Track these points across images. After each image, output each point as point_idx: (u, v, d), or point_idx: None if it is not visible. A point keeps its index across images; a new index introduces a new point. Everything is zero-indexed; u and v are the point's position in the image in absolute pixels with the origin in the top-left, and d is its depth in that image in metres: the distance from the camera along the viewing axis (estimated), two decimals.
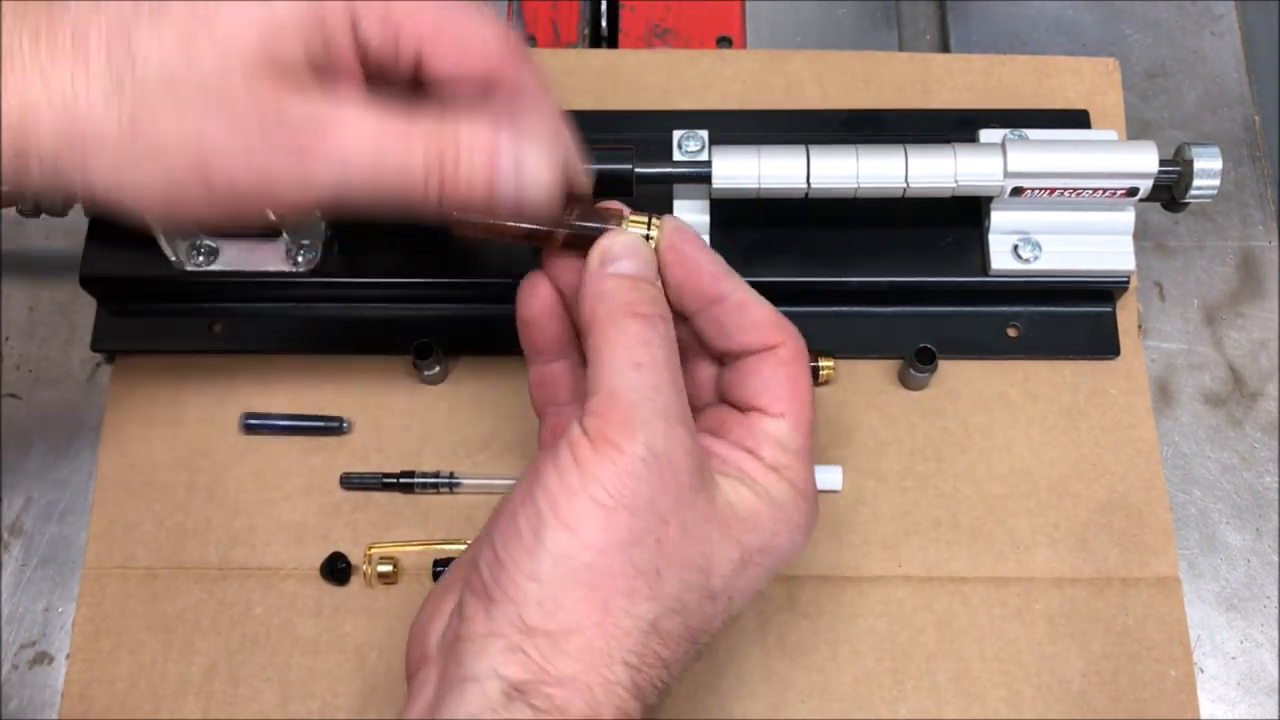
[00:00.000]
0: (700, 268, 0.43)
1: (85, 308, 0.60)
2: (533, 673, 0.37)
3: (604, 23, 0.69)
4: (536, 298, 0.45)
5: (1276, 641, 0.54)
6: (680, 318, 0.44)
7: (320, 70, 0.39)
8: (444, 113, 0.40)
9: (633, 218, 0.44)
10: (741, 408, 0.43)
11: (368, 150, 0.38)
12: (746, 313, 0.43)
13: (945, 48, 0.68)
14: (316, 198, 0.39)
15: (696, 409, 0.44)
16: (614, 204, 0.45)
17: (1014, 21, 0.68)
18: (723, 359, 0.45)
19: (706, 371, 0.46)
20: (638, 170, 0.52)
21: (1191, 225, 0.62)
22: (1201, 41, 0.67)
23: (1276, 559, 0.55)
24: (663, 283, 0.43)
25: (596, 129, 0.57)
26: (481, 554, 0.39)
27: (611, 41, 0.69)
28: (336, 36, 0.39)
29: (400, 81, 0.42)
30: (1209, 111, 0.65)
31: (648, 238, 0.43)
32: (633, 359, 0.39)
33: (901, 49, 0.68)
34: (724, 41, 0.68)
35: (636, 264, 0.42)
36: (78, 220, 0.57)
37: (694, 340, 0.45)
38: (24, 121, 0.36)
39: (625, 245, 0.43)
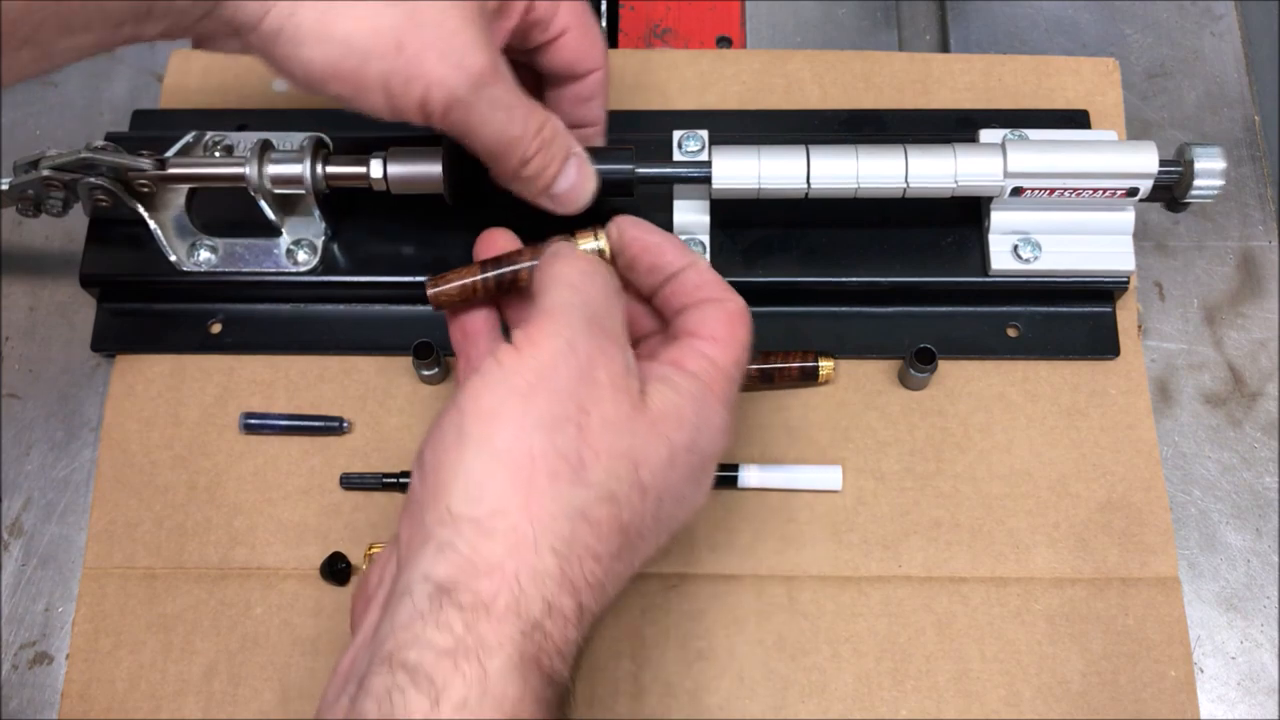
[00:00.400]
0: (662, 247, 0.47)
1: (85, 308, 0.60)
2: (459, 566, 0.37)
3: (604, 23, 0.69)
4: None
5: (1276, 641, 0.54)
6: (644, 299, 0.48)
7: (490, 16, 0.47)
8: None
9: (580, 235, 0.47)
10: (677, 337, 0.46)
11: (516, 100, 0.46)
12: (703, 275, 0.46)
13: (945, 48, 0.68)
14: (465, 112, 0.45)
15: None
16: (559, 237, 0.48)
17: (1014, 21, 0.68)
18: (675, 318, 0.47)
19: (655, 339, 0.49)
20: (638, 171, 0.52)
21: (1191, 225, 0.62)
22: (1201, 41, 0.67)
23: (1276, 559, 0.55)
24: (630, 270, 0.47)
25: None
26: (413, 477, 0.41)
27: (611, 41, 0.69)
28: (517, 4, 0.48)
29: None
30: (1209, 111, 0.65)
31: (599, 249, 0.47)
32: (570, 284, 0.43)
33: (901, 49, 0.68)
34: (724, 41, 0.68)
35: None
36: (78, 220, 0.57)
37: (651, 321, 0.49)
38: None
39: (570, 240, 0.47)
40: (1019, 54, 0.65)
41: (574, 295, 0.42)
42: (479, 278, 0.47)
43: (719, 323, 0.45)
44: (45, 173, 0.53)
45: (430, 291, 0.47)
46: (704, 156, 0.54)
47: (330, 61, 0.43)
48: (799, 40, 0.68)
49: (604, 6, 0.69)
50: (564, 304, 0.42)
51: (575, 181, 0.50)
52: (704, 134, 0.57)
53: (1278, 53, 0.67)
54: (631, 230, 0.47)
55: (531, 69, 0.53)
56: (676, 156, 0.54)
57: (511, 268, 0.47)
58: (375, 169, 0.53)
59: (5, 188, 0.54)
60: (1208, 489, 0.57)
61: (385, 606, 0.39)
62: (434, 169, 0.53)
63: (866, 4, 0.69)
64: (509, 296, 0.49)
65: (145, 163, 0.54)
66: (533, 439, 0.39)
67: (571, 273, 0.43)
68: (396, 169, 0.53)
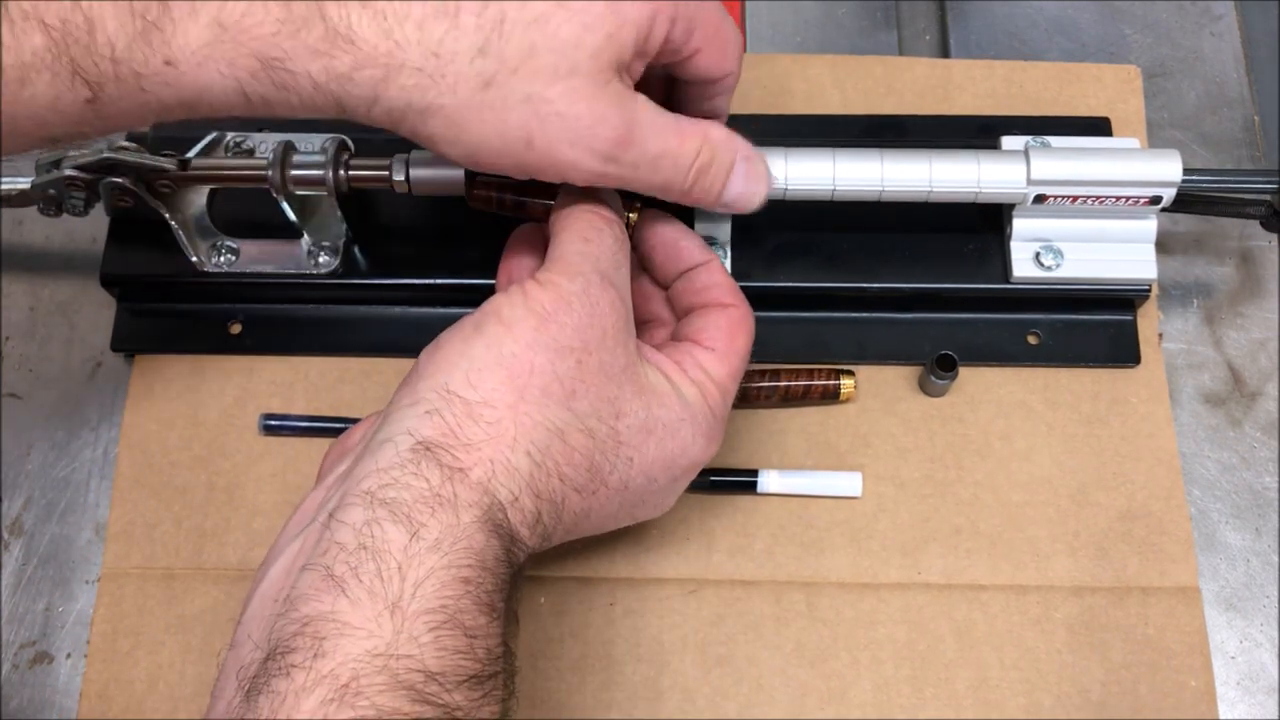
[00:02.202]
0: (679, 243, 0.50)
1: (85, 307, 0.60)
2: (444, 433, 0.40)
3: None
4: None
5: (1276, 641, 0.54)
6: (661, 287, 0.51)
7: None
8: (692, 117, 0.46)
9: None
10: (680, 340, 0.48)
11: (661, 146, 0.44)
12: (713, 275, 0.49)
13: (945, 48, 0.68)
14: (610, 179, 0.44)
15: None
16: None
17: (1013, 22, 0.68)
18: (685, 316, 0.50)
19: (665, 330, 0.51)
20: None
21: (1191, 225, 0.62)
22: (1201, 41, 0.67)
23: (1276, 559, 0.55)
24: (648, 261, 0.50)
25: None
26: (421, 354, 0.43)
27: None
28: (657, 33, 0.43)
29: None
30: (1209, 111, 0.65)
31: (628, 220, 0.49)
32: (582, 237, 0.45)
33: (901, 49, 0.68)
34: None
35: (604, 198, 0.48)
36: (78, 220, 0.57)
37: (666, 310, 0.51)
38: (390, 58, 0.40)
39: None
40: (1019, 55, 0.65)
41: (586, 247, 0.45)
42: (499, 194, 0.51)
43: (720, 331, 0.47)
44: (67, 172, 0.53)
45: (468, 190, 0.52)
46: None
47: (468, 158, 0.44)
48: (799, 40, 0.68)
49: None
50: (578, 254, 0.44)
51: (743, 189, 0.48)
52: None
53: (1278, 53, 0.67)
54: (651, 223, 0.50)
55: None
56: None
57: (530, 199, 0.51)
58: (398, 171, 0.53)
59: (28, 187, 0.54)
60: (1208, 489, 0.57)
61: (361, 453, 0.41)
62: (456, 171, 0.53)
63: (866, 4, 0.69)
64: (529, 222, 0.52)
65: (167, 163, 0.54)
66: (537, 356, 0.41)
67: (584, 226, 0.46)
68: (419, 171, 0.53)
